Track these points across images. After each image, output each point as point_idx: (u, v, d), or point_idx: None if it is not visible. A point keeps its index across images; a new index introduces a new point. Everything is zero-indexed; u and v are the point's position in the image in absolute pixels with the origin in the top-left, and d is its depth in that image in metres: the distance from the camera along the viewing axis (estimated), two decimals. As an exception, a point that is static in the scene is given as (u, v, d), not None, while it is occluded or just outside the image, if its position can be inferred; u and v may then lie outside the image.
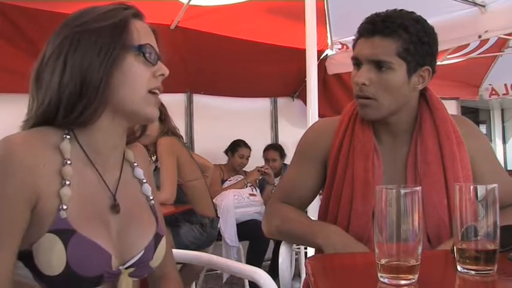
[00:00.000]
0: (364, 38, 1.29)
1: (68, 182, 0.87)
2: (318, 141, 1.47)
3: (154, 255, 0.99)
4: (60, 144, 0.89)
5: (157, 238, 1.00)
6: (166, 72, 0.95)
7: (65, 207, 0.85)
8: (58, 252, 0.82)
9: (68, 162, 0.88)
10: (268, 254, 3.85)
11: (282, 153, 4.41)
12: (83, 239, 0.85)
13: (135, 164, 1.04)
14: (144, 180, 1.05)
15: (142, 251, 0.95)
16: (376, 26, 1.26)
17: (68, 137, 0.90)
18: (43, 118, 0.90)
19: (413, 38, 1.24)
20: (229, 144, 4.24)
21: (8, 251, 0.83)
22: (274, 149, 4.42)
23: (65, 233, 0.83)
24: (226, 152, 4.25)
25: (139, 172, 1.05)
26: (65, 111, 0.88)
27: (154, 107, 0.95)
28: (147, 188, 1.05)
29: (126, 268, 0.92)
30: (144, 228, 0.99)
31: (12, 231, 0.83)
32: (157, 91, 0.94)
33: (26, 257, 0.83)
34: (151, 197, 1.05)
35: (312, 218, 1.52)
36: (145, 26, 0.96)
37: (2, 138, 0.85)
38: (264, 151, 4.41)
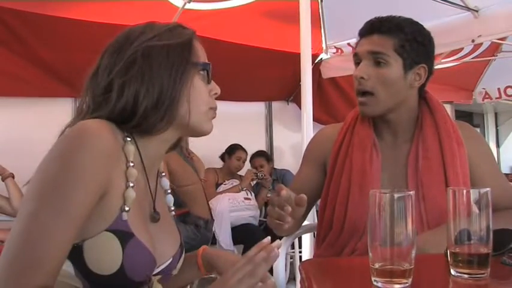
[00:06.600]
0: (364, 37, 1.37)
1: (131, 184, 0.86)
2: (320, 144, 1.53)
3: (178, 264, 1.00)
4: (124, 145, 0.89)
5: (181, 248, 1.03)
6: (219, 91, 1.00)
7: (127, 208, 0.84)
8: (115, 252, 0.81)
9: (131, 164, 0.88)
10: (263, 257, 3.84)
11: (267, 158, 4.44)
12: (139, 244, 0.85)
13: (163, 174, 1.06)
14: (169, 191, 1.07)
15: (171, 259, 0.97)
16: (374, 25, 1.36)
17: (129, 139, 0.91)
18: (111, 117, 0.89)
19: (408, 36, 1.32)
20: (224, 148, 4.25)
21: (71, 228, 0.76)
22: (259, 155, 4.44)
23: (124, 235, 0.83)
24: (222, 156, 4.25)
25: (166, 182, 1.07)
26: (139, 119, 0.89)
27: (211, 122, 1.00)
28: (170, 199, 1.07)
29: (155, 275, 0.93)
30: (172, 237, 1.01)
31: (80, 209, 0.78)
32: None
33: (74, 250, 0.80)
34: (172, 208, 1.08)
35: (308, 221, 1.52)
36: (201, 46, 0.99)
37: (81, 123, 0.83)
38: (251, 160, 4.42)
